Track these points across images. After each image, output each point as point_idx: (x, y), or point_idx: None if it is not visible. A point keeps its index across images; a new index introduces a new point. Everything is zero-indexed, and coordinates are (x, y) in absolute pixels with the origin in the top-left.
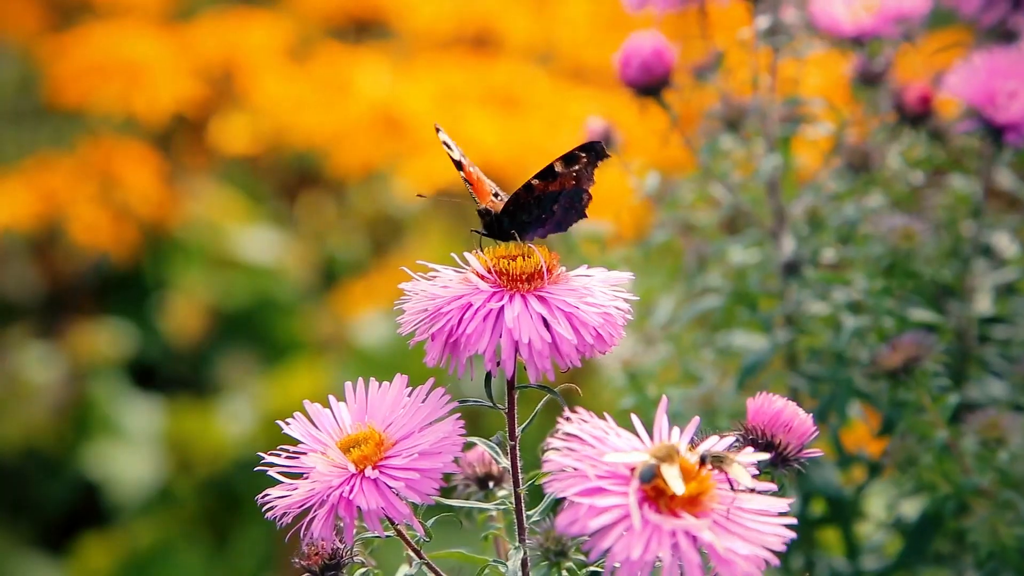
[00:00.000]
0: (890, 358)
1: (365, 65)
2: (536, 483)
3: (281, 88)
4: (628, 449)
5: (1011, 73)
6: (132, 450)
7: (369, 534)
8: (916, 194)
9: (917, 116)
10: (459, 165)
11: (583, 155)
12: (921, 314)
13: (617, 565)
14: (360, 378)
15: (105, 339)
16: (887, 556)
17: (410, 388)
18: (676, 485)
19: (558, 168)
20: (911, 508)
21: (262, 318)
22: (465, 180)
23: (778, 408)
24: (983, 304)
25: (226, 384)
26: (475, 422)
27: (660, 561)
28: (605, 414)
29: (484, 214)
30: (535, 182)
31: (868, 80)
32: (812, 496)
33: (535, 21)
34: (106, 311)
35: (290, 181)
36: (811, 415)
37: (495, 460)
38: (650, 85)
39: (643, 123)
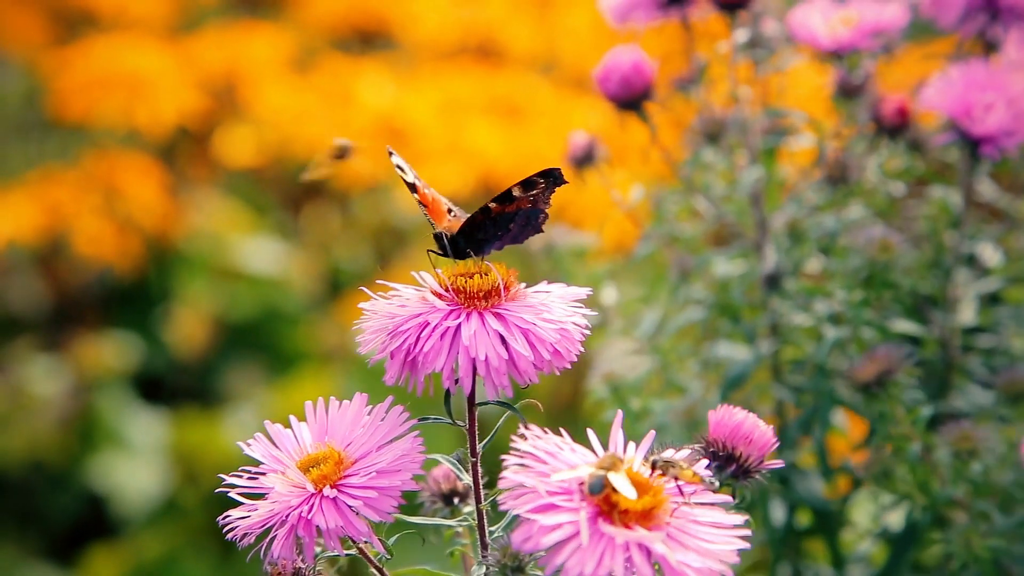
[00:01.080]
0: (864, 370)
1: (368, 76)
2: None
3: (285, 99)
4: (577, 464)
5: (988, 85)
6: (138, 462)
7: (332, 553)
8: (897, 205)
9: (895, 128)
10: (412, 187)
11: (541, 181)
12: (902, 325)
13: None
14: (320, 397)
15: (110, 351)
16: (874, 565)
17: (370, 407)
18: (626, 491)
19: (516, 192)
20: (896, 518)
21: (267, 329)
22: (419, 203)
23: (739, 420)
24: (966, 314)
25: (232, 395)
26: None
27: (615, 574)
28: (561, 429)
29: (438, 238)
30: (492, 205)
31: (848, 93)
32: (798, 506)
33: (538, 31)
34: (111, 324)
35: (294, 192)
36: (795, 426)
37: (459, 477)
38: (630, 99)
39: (642, 134)
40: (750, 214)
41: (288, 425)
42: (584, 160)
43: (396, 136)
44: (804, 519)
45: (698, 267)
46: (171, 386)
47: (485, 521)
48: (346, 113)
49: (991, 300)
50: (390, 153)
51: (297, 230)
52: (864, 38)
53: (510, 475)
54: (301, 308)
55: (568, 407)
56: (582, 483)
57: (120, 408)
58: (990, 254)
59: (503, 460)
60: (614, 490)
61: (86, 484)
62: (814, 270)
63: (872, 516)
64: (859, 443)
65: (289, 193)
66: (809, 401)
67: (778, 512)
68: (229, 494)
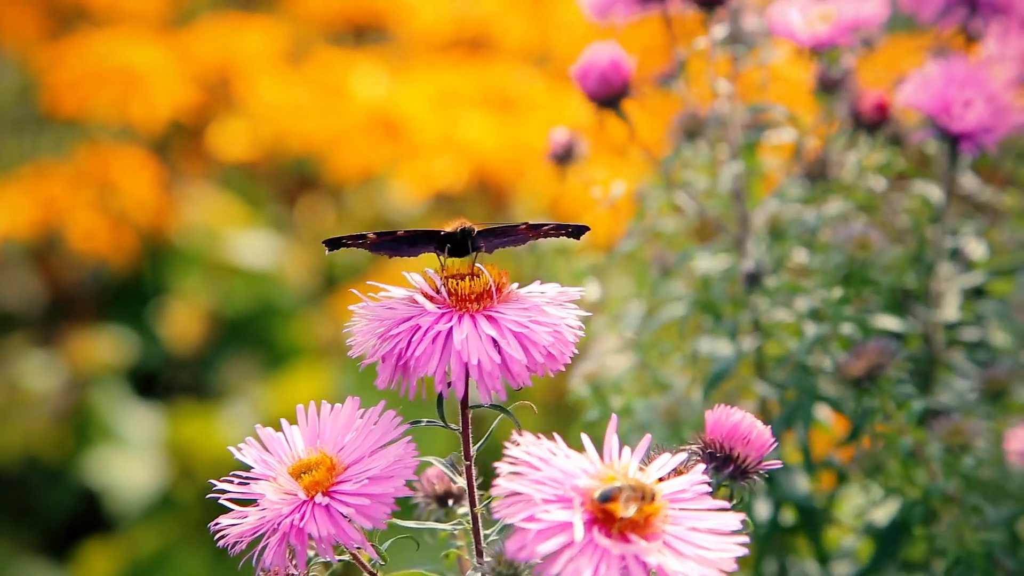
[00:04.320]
0: (854, 366)
1: (362, 69)
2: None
3: (278, 93)
4: (576, 471)
5: (967, 82)
6: (133, 457)
7: (325, 559)
8: (879, 200)
9: (874, 123)
10: None
11: (567, 229)
12: (885, 321)
13: None
14: (312, 401)
15: (105, 347)
16: (859, 561)
17: (362, 411)
18: (628, 511)
19: (546, 228)
20: (881, 514)
21: (262, 323)
22: None
23: (736, 420)
24: (950, 309)
25: (227, 390)
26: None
27: None
28: (555, 435)
29: (451, 237)
30: (522, 227)
31: (828, 88)
32: (782, 503)
33: (531, 24)
34: (106, 318)
35: (289, 186)
36: (778, 422)
37: (452, 479)
38: (609, 97)
39: (624, 130)
40: (732, 209)
41: (279, 427)
42: (565, 157)
43: (390, 129)
44: (789, 515)
45: (680, 263)
46: (166, 381)
47: (480, 525)
48: (340, 106)
49: (975, 294)
50: None
51: (292, 224)
52: (843, 34)
53: (503, 483)
54: (296, 302)
55: (564, 403)
56: (580, 491)
57: (115, 403)
58: (973, 248)
59: (495, 467)
60: (615, 503)
61: (81, 480)
62: (796, 266)
63: (857, 512)
64: (843, 439)
65: (283, 187)
66: (792, 397)
67: (763, 509)
68: (220, 500)
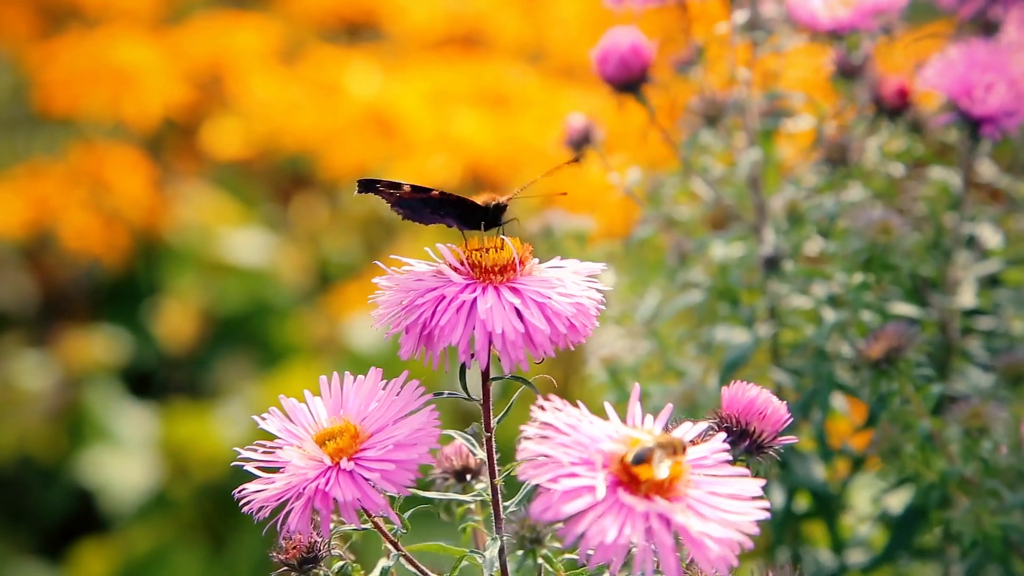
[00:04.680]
0: (873, 348)
1: (356, 67)
2: (513, 475)
3: (272, 91)
4: (602, 436)
5: (988, 66)
6: (127, 456)
7: (347, 527)
8: (897, 187)
9: (895, 109)
10: None
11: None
12: (902, 307)
13: (591, 551)
14: (335, 372)
15: (99, 346)
16: (874, 549)
17: (384, 382)
18: (661, 471)
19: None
20: (896, 501)
21: (256, 322)
22: None
23: (752, 396)
24: (966, 296)
25: (221, 389)
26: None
27: (634, 545)
28: (579, 402)
29: (483, 210)
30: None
31: (847, 74)
32: (797, 490)
33: (526, 21)
34: (99, 318)
35: (283, 184)
36: (794, 409)
37: (472, 453)
38: (628, 81)
39: (637, 119)
40: (748, 197)
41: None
42: (581, 143)
43: (384, 127)
44: (803, 503)
45: (696, 250)
46: (160, 380)
47: (499, 496)
48: (334, 104)
49: (991, 282)
50: None
51: (286, 222)
52: (864, 18)
53: (531, 445)
54: (290, 300)
55: (560, 393)
56: (604, 454)
57: (109, 402)
58: (990, 236)
59: (522, 431)
60: (645, 465)
61: (75, 479)
62: (813, 252)
63: (872, 499)
64: (860, 425)
65: (277, 185)
66: (808, 384)
67: (777, 496)
68: (244, 468)
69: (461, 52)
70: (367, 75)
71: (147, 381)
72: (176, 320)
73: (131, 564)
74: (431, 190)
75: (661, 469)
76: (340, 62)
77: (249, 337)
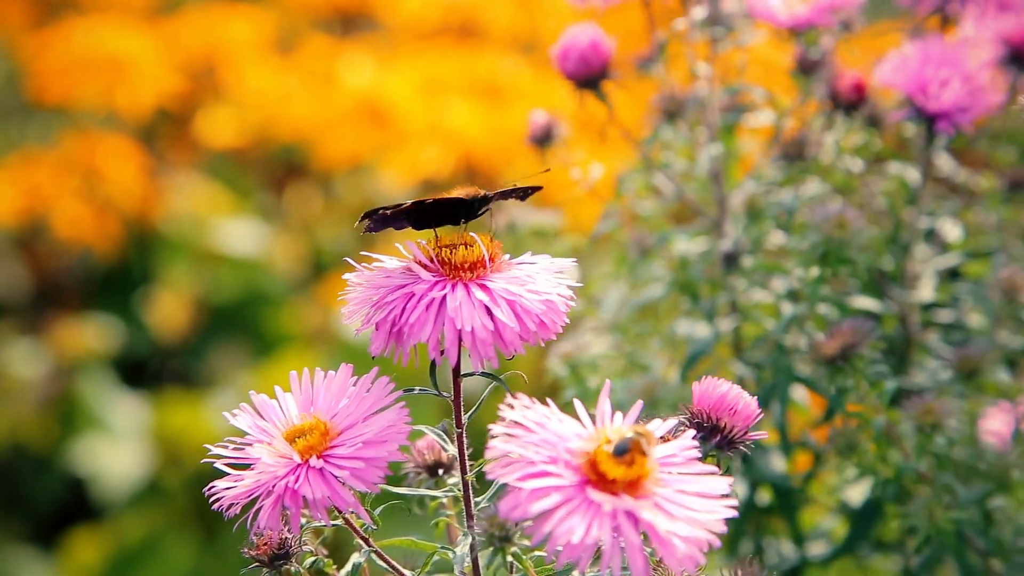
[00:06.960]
0: (828, 345)
1: (350, 57)
2: (484, 470)
3: (266, 81)
4: (570, 434)
5: (943, 62)
6: (120, 445)
7: (318, 523)
8: (856, 181)
9: (851, 104)
10: None
11: (507, 195)
12: (861, 301)
13: (559, 548)
14: (306, 368)
15: (91, 334)
16: (835, 541)
17: (355, 378)
18: (651, 457)
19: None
20: (855, 494)
21: (250, 311)
22: None
23: (723, 392)
24: (926, 290)
25: (215, 378)
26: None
27: (602, 543)
28: (548, 400)
29: (471, 202)
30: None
31: (806, 69)
32: (759, 483)
33: (518, 12)
34: (92, 306)
35: (276, 173)
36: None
37: (444, 449)
38: (589, 77)
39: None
40: (710, 191)
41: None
42: (544, 139)
43: (377, 117)
44: (765, 496)
45: (658, 245)
46: (153, 369)
47: (471, 492)
48: (327, 94)
49: (950, 275)
50: None
51: (279, 211)
52: (822, 15)
53: (498, 444)
54: (284, 290)
55: (542, 385)
56: (572, 453)
57: (101, 391)
58: (949, 229)
59: (490, 429)
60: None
61: (68, 468)
62: (773, 247)
63: (832, 491)
64: (819, 419)
65: (271, 174)
66: (768, 377)
67: (739, 489)
68: (215, 465)
69: (455, 43)
70: (361, 65)
71: (140, 370)
72: (169, 309)
73: (123, 552)
74: (415, 202)
75: (648, 456)
76: (334, 52)
77: (242, 326)
